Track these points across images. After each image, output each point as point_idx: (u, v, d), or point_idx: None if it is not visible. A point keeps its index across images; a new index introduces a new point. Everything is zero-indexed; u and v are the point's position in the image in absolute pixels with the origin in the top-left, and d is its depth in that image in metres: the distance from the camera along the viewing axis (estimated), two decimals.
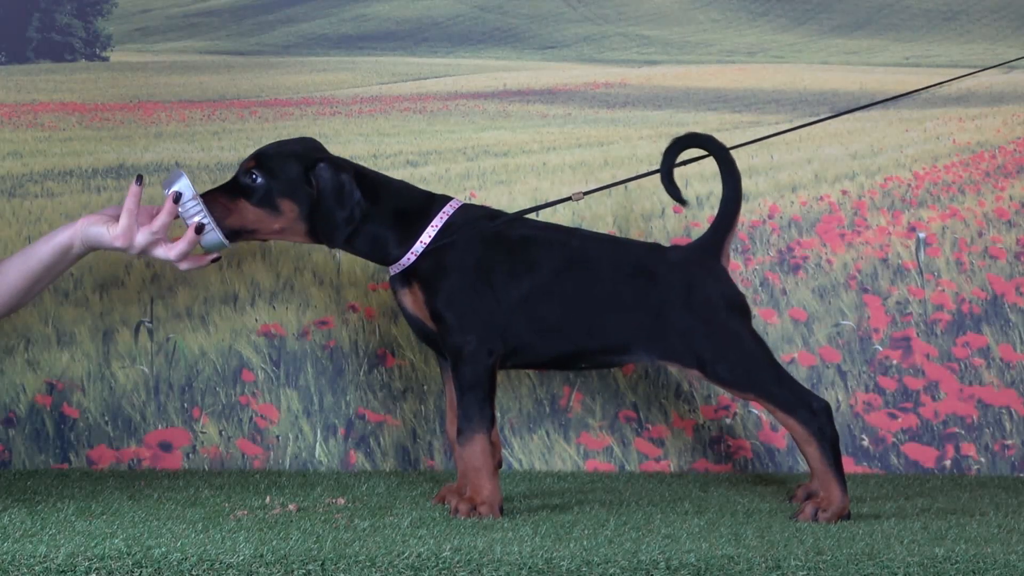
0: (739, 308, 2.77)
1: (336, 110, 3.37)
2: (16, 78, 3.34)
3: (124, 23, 3.36)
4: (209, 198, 2.71)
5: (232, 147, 3.34)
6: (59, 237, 2.73)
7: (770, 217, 3.37)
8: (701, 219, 3.33)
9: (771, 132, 3.14)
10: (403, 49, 3.40)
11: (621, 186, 3.28)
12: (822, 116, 3.23)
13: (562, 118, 3.40)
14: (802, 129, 3.29)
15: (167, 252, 2.70)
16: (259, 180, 2.73)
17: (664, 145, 2.84)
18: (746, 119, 3.40)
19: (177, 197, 2.68)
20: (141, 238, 2.68)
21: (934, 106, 3.40)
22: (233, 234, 2.72)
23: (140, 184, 2.68)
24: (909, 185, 3.39)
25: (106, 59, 3.35)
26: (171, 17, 3.38)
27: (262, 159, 2.75)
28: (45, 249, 2.73)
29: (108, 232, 2.69)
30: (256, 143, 3.34)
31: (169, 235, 2.72)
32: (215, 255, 2.73)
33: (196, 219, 2.68)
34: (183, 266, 2.72)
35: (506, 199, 3.30)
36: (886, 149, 3.40)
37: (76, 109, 3.34)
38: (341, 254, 3.27)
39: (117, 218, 2.71)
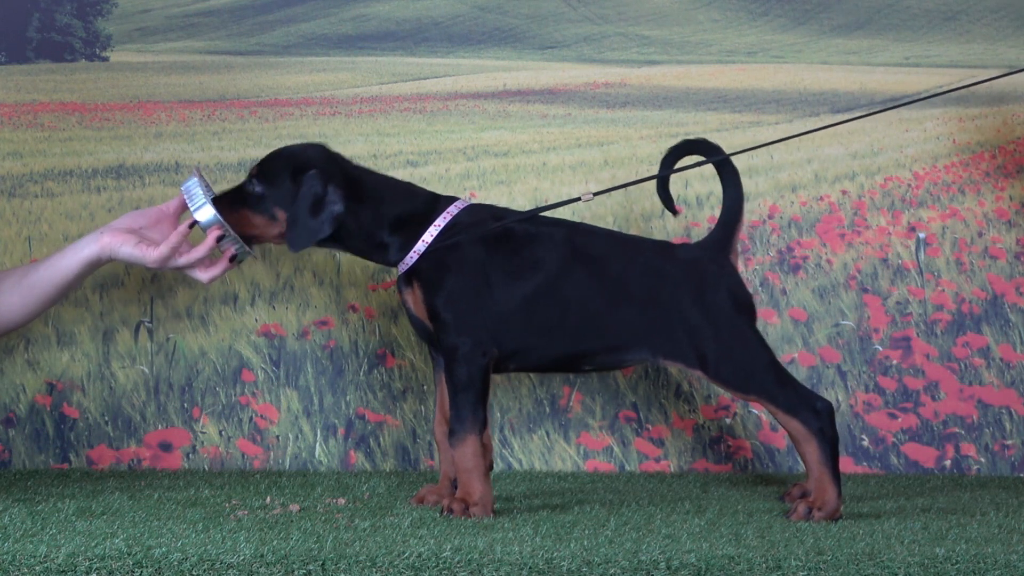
0: (746, 309, 2.77)
1: (336, 110, 3.37)
2: (16, 78, 3.34)
3: (124, 23, 3.36)
4: (222, 209, 2.75)
5: (232, 147, 3.34)
6: (86, 251, 2.79)
7: (770, 217, 3.37)
8: (701, 219, 3.33)
9: (802, 131, 3.14)
10: (403, 49, 3.40)
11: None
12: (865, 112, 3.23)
13: (562, 118, 3.40)
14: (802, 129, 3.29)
15: (200, 275, 2.79)
16: (258, 189, 2.76)
17: (665, 145, 2.84)
18: (746, 119, 3.39)
19: (212, 227, 2.75)
20: (173, 263, 2.77)
21: (934, 106, 3.40)
22: (246, 239, 2.79)
23: (191, 228, 2.76)
24: (909, 185, 3.39)
25: (106, 59, 3.35)
26: (171, 17, 3.38)
27: (264, 167, 2.78)
28: (72, 262, 2.80)
29: (141, 254, 2.76)
30: (256, 143, 3.34)
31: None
32: (231, 252, 2.78)
33: (232, 249, 2.76)
34: (206, 278, 2.81)
35: (506, 199, 3.30)
36: (886, 149, 3.40)
37: (76, 109, 3.34)
38: (341, 254, 3.26)
39: (138, 231, 2.79)
